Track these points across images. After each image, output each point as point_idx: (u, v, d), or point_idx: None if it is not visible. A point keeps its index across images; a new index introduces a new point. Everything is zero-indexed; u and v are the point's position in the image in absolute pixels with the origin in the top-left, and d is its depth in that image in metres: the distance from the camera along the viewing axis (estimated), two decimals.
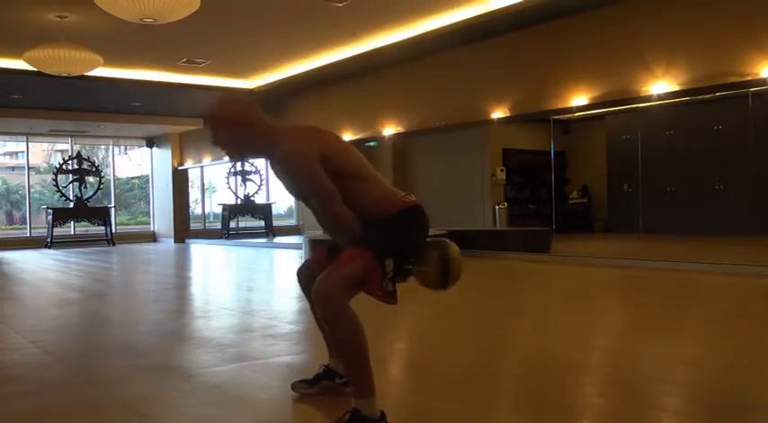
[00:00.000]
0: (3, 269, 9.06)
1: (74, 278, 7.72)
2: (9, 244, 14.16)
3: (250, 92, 11.59)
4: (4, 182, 17.25)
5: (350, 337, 2.10)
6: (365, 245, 2.19)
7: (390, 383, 2.74)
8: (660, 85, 6.80)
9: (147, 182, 16.86)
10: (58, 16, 7.35)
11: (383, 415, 2.10)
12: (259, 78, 11.13)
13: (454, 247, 2.34)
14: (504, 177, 10.15)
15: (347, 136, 10.58)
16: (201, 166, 15.46)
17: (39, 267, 9.32)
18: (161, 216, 16.10)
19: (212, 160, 14.68)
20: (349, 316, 2.11)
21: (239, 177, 15.27)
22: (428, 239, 2.36)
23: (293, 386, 2.55)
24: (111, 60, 8.98)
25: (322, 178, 2.19)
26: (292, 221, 16.29)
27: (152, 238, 16.31)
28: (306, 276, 2.48)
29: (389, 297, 2.20)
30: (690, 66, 6.61)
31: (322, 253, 2.45)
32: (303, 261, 2.55)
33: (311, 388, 2.51)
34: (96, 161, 15.47)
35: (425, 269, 2.30)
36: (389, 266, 2.19)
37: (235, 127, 2.27)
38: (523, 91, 8.27)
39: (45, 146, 17.70)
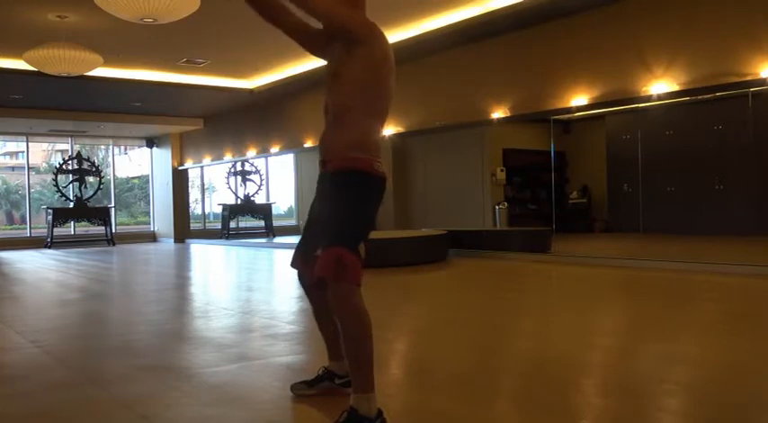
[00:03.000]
0: (3, 269, 9.06)
1: (74, 278, 7.72)
2: (9, 244, 14.16)
3: (250, 92, 11.59)
4: (4, 182, 17.27)
5: (357, 330, 2.13)
6: (335, 238, 2.16)
7: (390, 383, 2.74)
8: (660, 85, 6.79)
9: (147, 182, 16.86)
10: (58, 16, 7.35)
11: (380, 413, 2.11)
12: (259, 78, 11.13)
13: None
14: (504, 177, 10.14)
15: None
16: (201, 166, 15.45)
17: (39, 267, 9.32)
18: (161, 216, 16.10)
19: (212, 160, 14.68)
20: (360, 312, 2.14)
21: (239, 177, 15.26)
22: None
23: (293, 387, 2.55)
24: (111, 60, 8.99)
25: None
26: (292, 221, 16.27)
27: (152, 238, 16.31)
28: (302, 270, 2.49)
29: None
30: (690, 66, 6.61)
31: (298, 255, 2.47)
32: (293, 254, 2.53)
33: (310, 389, 2.52)
34: (96, 161, 15.49)
35: None
36: (363, 250, 2.19)
37: None
38: (523, 91, 8.27)
39: (45, 146, 17.72)
